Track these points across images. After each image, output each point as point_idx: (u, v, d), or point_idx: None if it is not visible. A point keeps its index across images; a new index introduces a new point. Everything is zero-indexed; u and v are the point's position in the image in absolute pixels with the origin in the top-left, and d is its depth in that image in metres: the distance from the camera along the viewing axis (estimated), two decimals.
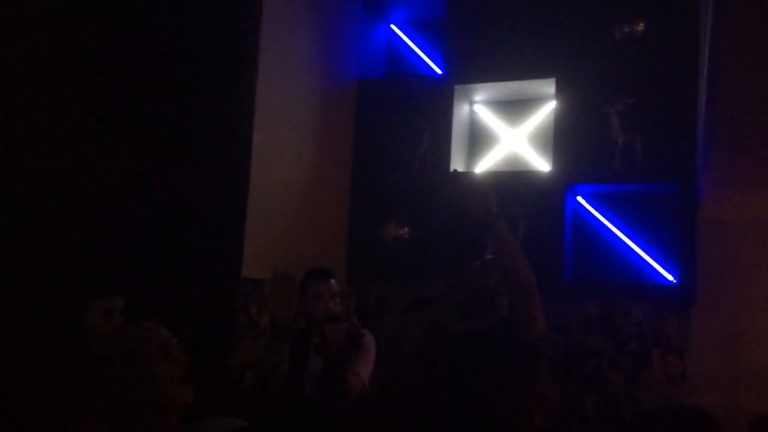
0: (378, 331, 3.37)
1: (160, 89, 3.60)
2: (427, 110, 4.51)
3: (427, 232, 4.43)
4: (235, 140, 3.62)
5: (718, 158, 3.93)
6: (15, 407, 1.30)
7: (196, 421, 1.77)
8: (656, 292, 3.96)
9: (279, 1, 3.89)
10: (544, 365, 2.53)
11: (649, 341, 3.89)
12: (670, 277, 3.98)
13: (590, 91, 4.11)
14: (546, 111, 4.45)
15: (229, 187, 3.60)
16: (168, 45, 3.60)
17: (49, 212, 3.37)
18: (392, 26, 5.02)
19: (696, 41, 3.89)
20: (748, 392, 3.69)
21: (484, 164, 4.57)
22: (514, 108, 4.60)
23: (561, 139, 4.16)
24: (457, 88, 4.48)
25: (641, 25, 4.02)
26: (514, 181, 4.20)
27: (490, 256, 2.70)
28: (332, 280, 2.98)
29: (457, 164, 4.47)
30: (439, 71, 4.71)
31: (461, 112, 4.57)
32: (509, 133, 4.58)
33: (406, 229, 4.51)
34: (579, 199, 4.27)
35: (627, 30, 4.04)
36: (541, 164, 4.40)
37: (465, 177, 2.46)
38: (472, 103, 4.68)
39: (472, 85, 4.51)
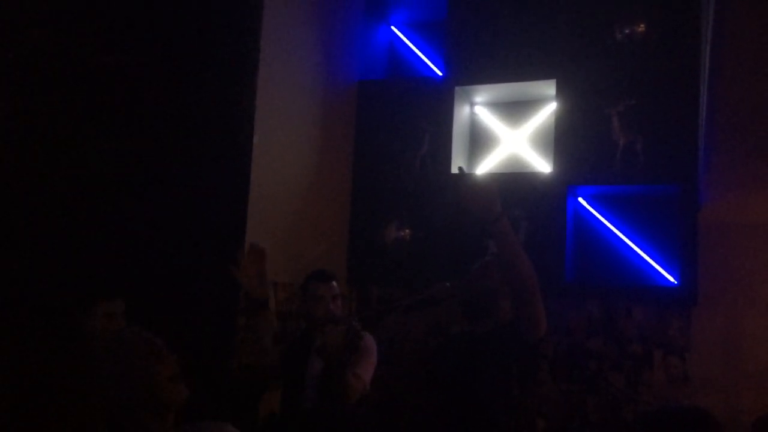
0: (379, 333, 3.37)
1: (161, 90, 3.60)
2: (427, 112, 4.51)
3: (427, 233, 4.43)
4: (236, 141, 3.62)
5: (720, 160, 3.93)
6: (17, 408, 1.30)
7: (189, 423, 1.78)
8: (657, 294, 3.96)
9: (279, 2, 3.89)
10: (545, 366, 2.53)
11: (650, 342, 3.89)
12: (671, 279, 3.98)
13: (591, 93, 4.11)
14: (547, 112, 4.45)
15: (229, 188, 3.60)
16: (169, 46, 3.60)
17: (49, 214, 3.37)
18: (393, 27, 5.02)
19: (697, 42, 3.89)
20: (749, 393, 3.68)
21: (485, 166, 4.57)
22: (514, 109, 4.59)
23: (562, 140, 4.15)
24: (458, 89, 4.49)
25: (642, 26, 4.01)
26: (514, 182, 4.20)
27: (489, 258, 2.70)
28: (333, 282, 2.98)
29: (457, 166, 4.46)
30: (439, 72, 4.71)
31: (462, 113, 4.57)
32: (510, 135, 4.57)
33: (406, 230, 4.50)
34: (580, 200, 4.26)
35: (627, 31, 4.04)
36: (542, 165, 4.40)
37: (470, 175, 2.46)
38: (472, 104, 4.68)
39: (473, 87, 4.51)
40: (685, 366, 3.82)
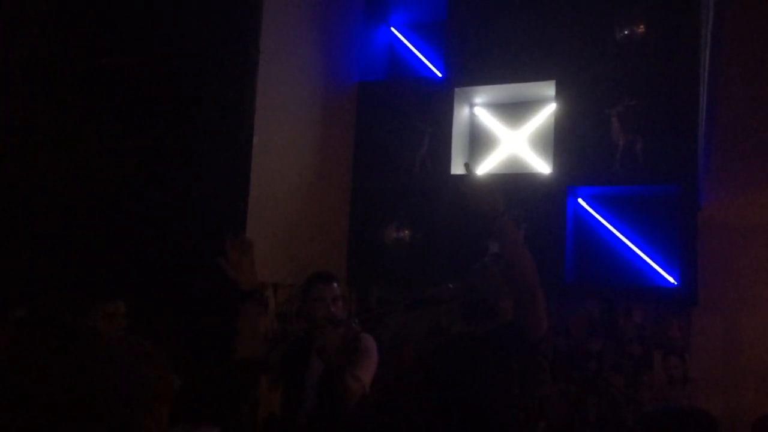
0: (379, 333, 3.37)
1: (161, 92, 3.61)
2: (427, 113, 4.51)
3: (427, 234, 4.43)
4: (236, 143, 3.62)
5: (719, 160, 3.94)
6: (18, 409, 1.30)
7: (181, 425, 1.80)
8: (657, 294, 3.96)
9: (279, 3, 3.89)
10: (545, 366, 2.53)
11: (650, 343, 3.89)
12: (671, 279, 3.98)
13: (590, 93, 4.11)
14: (546, 113, 4.45)
15: (229, 189, 3.60)
16: (169, 48, 3.60)
17: (49, 214, 3.37)
18: (392, 29, 5.02)
19: (696, 43, 3.88)
20: (750, 393, 3.69)
21: (485, 166, 4.57)
22: (514, 110, 4.59)
23: (561, 141, 4.15)
24: (458, 90, 4.48)
25: (641, 26, 4.01)
26: (514, 183, 4.20)
27: (489, 258, 2.70)
28: (335, 284, 2.97)
29: (457, 167, 4.47)
30: (439, 74, 4.71)
31: (461, 114, 4.57)
32: (509, 136, 4.57)
33: (406, 231, 4.50)
34: (580, 201, 4.26)
35: (627, 32, 4.04)
36: (542, 166, 4.39)
37: (475, 173, 2.46)
38: (472, 105, 4.68)
39: (473, 88, 4.51)
40: (685, 366, 3.82)
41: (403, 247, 4.48)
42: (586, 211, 4.25)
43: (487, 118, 4.67)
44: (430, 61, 4.85)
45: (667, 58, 3.95)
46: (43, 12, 3.31)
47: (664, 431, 1.77)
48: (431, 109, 4.50)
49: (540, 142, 4.46)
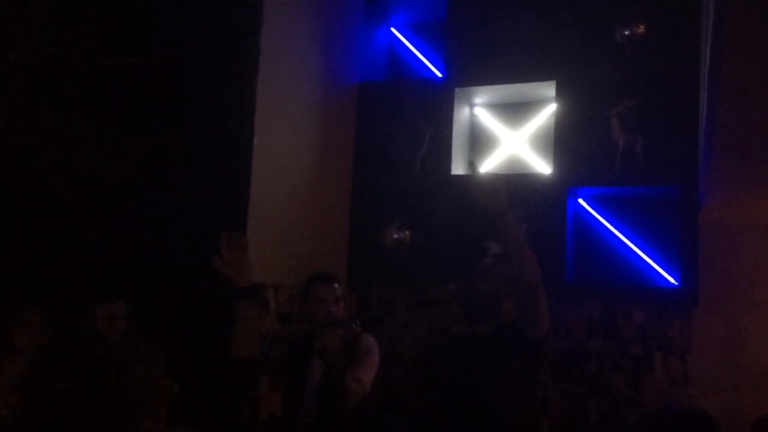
0: (380, 334, 3.37)
1: (162, 93, 3.61)
2: (427, 113, 4.51)
3: (428, 235, 4.43)
4: (236, 143, 3.62)
5: (720, 160, 3.94)
6: (22, 410, 1.31)
7: (180, 429, 1.81)
8: (658, 295, 3.96)
9: (279, 4, 3.89)
10: (547, 366, 2.53)
11: (650, 343, 3.89)
12: (671, 280, 3.98)
13: (591, 94, 4.11)
14: (546, 113, 4.45)
15: (229, 190, 3.60)
16: (169, 47, 3.60)
17: (50, 214, 3.37)
18: (393, 29, 5.02)
19: (697, 43, 3.89)
20: (750, 394, 3.68)
21: (485, 167, 4.57)
22: (514, 111, 4.59)
23: (562, 141, 4.15)
24: (458, 90, 4.48)
25: (641, 27, 4.01)
26: (514, 183, 4.19)
27: (490, 259, 2.70)
28: (336, 284, 2.97)
29: (457, 167, 4.47)
30: (439, 74, 4.71)
31: (462, 114, 4.57)
32: (510, 136, 4.57)
33: (406, 232, 4.50)
34: (580, 201, 4.26)
35: (627, 32, 4.04)
36: (542, 167, 4.40)
37: (479, 172, 2.47)
38: (472, 105, 4.68)
39: (473, 88, 4.51)
40: (685, 367, 3.82)
41: (403, 248, 4.48)
42: (587, 211, 4.25)
43: (487, 118, 4.67)
44: (430, 62, 4.85)
45: (668, 58, 3.95)
46: (43, 12, 3.32)
47: (665, 431, 1.77)
48: (431, 110, 4.50)
49: (540, 143, 4.47)
